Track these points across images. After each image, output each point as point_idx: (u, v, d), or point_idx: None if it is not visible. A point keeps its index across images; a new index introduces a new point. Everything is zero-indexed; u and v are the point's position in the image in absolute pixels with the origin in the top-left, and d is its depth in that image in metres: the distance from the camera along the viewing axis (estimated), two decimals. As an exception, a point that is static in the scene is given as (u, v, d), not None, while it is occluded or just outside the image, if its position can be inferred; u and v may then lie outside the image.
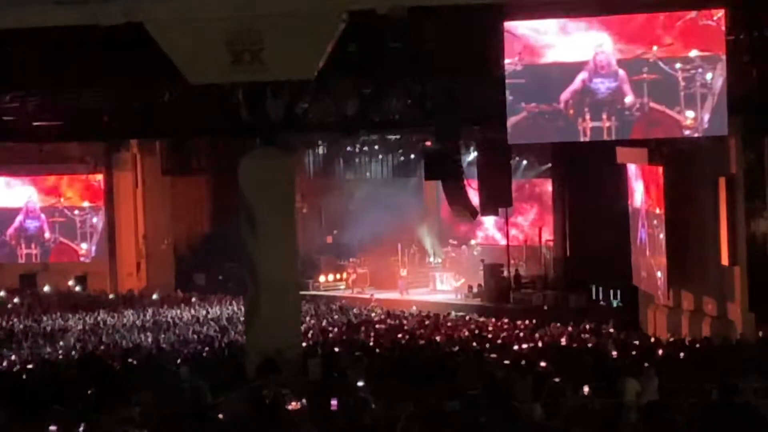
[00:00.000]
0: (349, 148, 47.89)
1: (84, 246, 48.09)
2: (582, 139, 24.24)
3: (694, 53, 22.81)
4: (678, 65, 22.94)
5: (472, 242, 47.93)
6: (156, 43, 18.66)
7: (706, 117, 23.03)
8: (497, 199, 34.54)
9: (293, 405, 14.41)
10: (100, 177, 48.01)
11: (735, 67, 23.52)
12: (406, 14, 19.13)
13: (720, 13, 22.55)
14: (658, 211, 31.74)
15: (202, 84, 21.67)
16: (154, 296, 44.67)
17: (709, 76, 22.76)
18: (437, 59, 25.56)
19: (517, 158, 41.58)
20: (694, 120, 23.13)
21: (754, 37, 24.30)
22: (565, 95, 23.79)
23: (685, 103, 23.04)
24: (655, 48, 22.91)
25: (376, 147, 47.65)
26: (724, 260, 28.98)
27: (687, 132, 23.54)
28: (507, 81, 23.65)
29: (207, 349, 26.94)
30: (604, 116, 23.61)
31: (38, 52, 24.59)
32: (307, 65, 18.96)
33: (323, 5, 18.17)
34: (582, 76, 23.59)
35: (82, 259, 48.15)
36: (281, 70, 18.85)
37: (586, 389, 13.82)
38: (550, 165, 42.68)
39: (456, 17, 23.56)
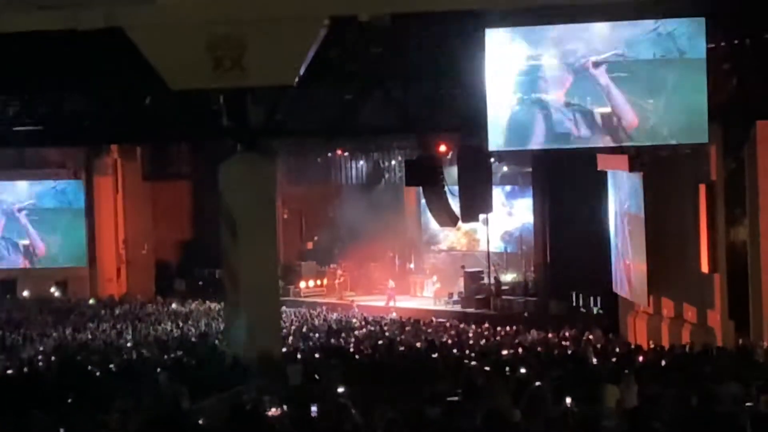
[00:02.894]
0: (329, 154, 47.77)
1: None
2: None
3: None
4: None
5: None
6: (136, 48, 18.62)
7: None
8: (478, 206, 34.48)
9: (273, 411, 14.38)
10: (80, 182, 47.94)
11: (715, 74, 23.64)
12: (389, 21, 19.17)
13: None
14: (638, 217, 31.78)
15: (182, 90, 21.65)
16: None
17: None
18: (419, 66, 25.60)
19: (497, 164, 41.52)
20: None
21: (734, 45, 24.40)
22: (555, 100, 23.86)
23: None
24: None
25: (357, 152, 47.53)
26: (704, 267, 29.01)
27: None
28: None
29: (187, 354, 26.83)
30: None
31: (18, 56, 24.52)
32: (288, 71, 18.93)
33: (304, 11, 18.16)
34: (569, 81, 23.67)
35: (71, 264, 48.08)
36: (262, 77, 18.81)
37: (567, 399, 13.81)
38: (530, 170, 42.66)
39: (438, 24, 23.64)
